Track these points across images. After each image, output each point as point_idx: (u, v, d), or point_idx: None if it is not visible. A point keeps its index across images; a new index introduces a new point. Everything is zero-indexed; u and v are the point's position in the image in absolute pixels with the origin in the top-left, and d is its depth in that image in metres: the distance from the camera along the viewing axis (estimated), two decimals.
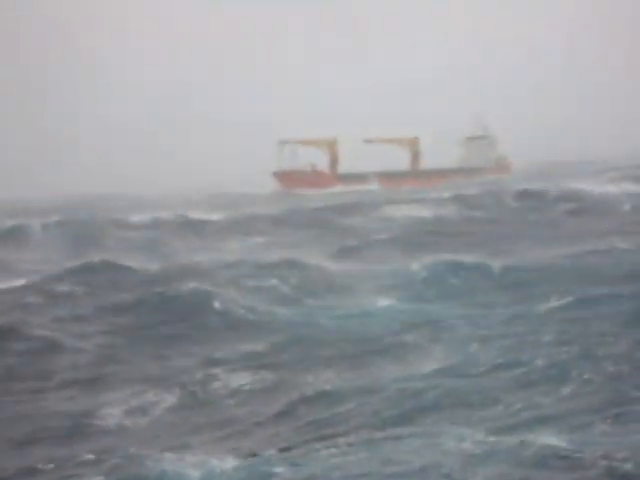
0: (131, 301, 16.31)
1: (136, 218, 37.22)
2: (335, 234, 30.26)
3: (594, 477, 6.79)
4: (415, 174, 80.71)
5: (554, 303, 13.79)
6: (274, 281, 18.38)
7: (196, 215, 36.19)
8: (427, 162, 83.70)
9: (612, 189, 37.81)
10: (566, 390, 9.16)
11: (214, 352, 13.18)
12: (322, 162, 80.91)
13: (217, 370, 11.98)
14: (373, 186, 69.21)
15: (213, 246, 26.79)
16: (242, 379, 11.47)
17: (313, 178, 76.88)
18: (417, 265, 18.64)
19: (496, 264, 18.37)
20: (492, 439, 7.65)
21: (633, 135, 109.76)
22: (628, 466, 6.80)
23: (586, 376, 9.40)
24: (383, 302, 15.88)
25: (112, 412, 10.42)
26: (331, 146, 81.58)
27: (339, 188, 69.82)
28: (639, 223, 26.37)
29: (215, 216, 36.31)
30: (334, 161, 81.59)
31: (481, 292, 16.42)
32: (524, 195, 38.38)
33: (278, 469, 7.45)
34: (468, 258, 18.83)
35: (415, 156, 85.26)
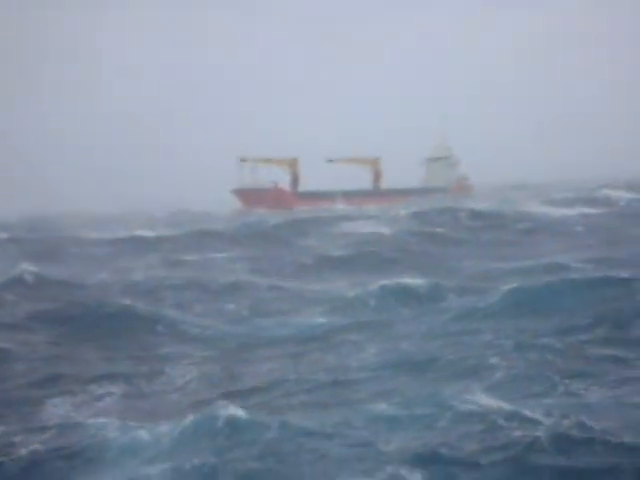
0: (71, 314, 16.11)
1: (94, 235, 36.94)
2: (292, 251, 30.08)
3: (505, 437, 7.80)
4: (376, 193, 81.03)
5: (492, 298, 14.77)
6: (224, 301, 18.11)
7: (151, 233, 35.84)
8: (389, 182, 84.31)
9: (566, 211, 38.60)
10: (497, 376, 10.07)
11: (161, 354, 13.49)
12: (283, 181, 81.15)
13: (163, 366, 12.43)
14: (340, 205, 69.00)
15: (164, 264, 26.29)
16: (188, 374, 11.85)
17: (274, 196, 76.79)
18: (368, 288, 18.16)
19: (449, 287, 18.09)
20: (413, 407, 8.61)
21: (591, 160, 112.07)
22: (539, 433, 7.83)
23: (515, 364, 10.37)
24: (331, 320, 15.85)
25: (59, 403, 10.77)
26: (292, 165, 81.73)
27: (300, 207, 69.65)
28: (590, 242, 26.65)
29: (170, 233, 36.02)
30: (295, 180, 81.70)
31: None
32: (482, 215, 38.74)
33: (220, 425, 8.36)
34: (420, 281, 18.36)
35: (377, 176, 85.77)
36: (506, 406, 8.53)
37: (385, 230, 34.83)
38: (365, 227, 37.16)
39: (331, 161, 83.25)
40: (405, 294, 17.56)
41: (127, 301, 16.82)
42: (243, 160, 78.84)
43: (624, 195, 46.10)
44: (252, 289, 19.66)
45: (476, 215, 38.15)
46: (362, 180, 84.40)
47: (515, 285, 15.28)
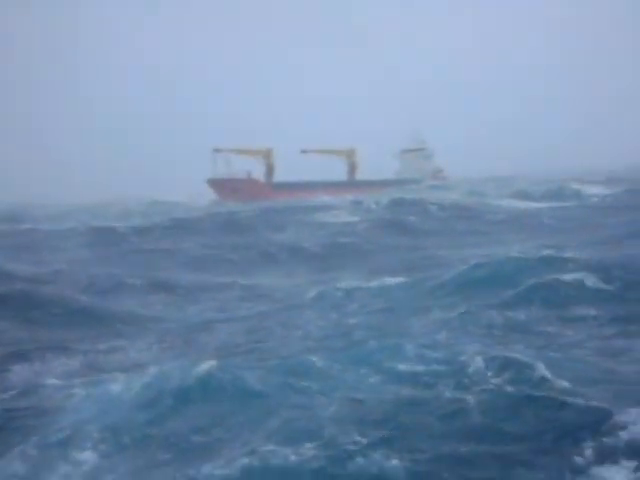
0: (28, 303, 16.06)
1: (62, 226, 36.80)
2: (264, 244, 29.88)
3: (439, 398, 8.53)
4: (351, 185, 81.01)
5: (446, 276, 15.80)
6: (188, 301, 17.83)
7: (121, 223, 35.66)
8: (364, 174, 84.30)
9: (533, 205, 39.41)
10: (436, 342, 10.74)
11: (119, 335, 13.84)
12: (258, 172, 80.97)
13: (121, 343, 12.86)
14: (316, 196, 68.61)
15: (128, 256, 26.04)
16: (146, 350, 12.31)
17: (248, 186, 76.57)
18: (335, 287, 17.56)
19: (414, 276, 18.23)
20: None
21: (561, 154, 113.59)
22: (470, 395, 8.49)
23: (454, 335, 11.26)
24: None
25: (19, 371, 11.31)
26: (266, 156, 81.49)
27: (275, 197, 69.47)
28: (553, 232, 27.08)
29: (141, 224, 35.87)
30: (270, 171, 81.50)
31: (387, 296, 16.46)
32: (454, 207, 39.16)
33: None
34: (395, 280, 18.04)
35: (352, 167, 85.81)
36: (441, 367, 9.24)
37: (358, 221, 35.07)
38: (339, 218, 37.41)
39: (305, 152, 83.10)
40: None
41: (84, 297, 16.87)
42: (217, 150, 78.49)
43: (595, 190, 46.57)
44: (218, 289, 19.06)
45: (448, 207, 38.68)
46: (337, 172, 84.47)
47: (466, 267, 16.11)
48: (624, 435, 7.49)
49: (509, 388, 8.53)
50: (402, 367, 9.37)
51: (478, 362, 9.22)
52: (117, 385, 9.24)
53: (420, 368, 9.29)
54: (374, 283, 16.70)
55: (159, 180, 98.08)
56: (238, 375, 9.26)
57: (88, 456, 7.83)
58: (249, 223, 35.90)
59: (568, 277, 13.93)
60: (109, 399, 8.91)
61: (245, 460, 7.23)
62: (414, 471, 7.01)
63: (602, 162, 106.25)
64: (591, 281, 13.70)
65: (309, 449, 7.36)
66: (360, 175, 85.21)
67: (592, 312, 12.33)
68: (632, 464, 7.03)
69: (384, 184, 77.96)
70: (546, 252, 16.33)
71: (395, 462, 7.13)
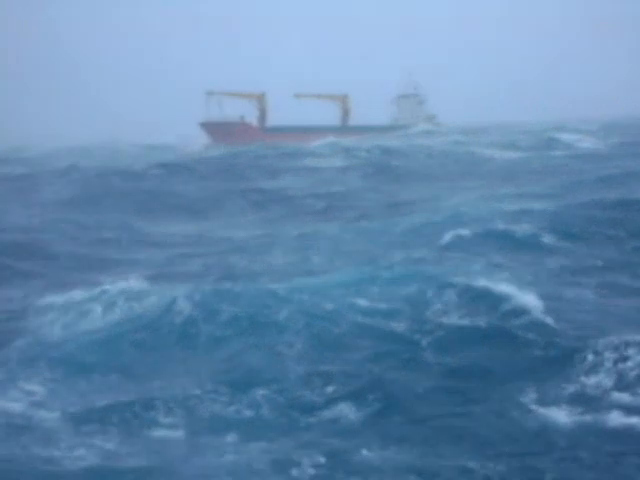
0: None
1: (42, 169, 37.23)
2: (251, 190, 30.11)
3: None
4: (344, 130, 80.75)
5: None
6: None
7: (108, 165, 35.89)
8: (358, 120, 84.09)
9: (515, 154, 39.90)
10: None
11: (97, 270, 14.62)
12: (250, 115, 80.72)
13: (97, 277, 13.36)
14: (309, 141, 68.17)
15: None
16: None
17: (241, 130, 76.43)
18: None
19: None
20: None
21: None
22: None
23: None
24: None
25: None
26: (260, 99, 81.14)
27: (267, 141, 69.38)
28: (532, 178, 27.95)
29: (129, 166, 36.16)
30: (263, 115, 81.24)
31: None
32: (442, 155, 39.77)
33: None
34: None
35: (345, 112, 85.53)
36: (400, 302, 10.00)
37: (347, 167, 35.52)
38: (330, 164, 37.79)
39: (299, 96, 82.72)
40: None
41: (67, 246, 17.59)
42: (210, 93, 78.11)
43: (586, 142, 46.69)
44: (202, 239, 19.18)
45: (437, 155, 39.32)
46: (330, 117, 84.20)
47: (436, 215, 17.44)
48: (572, 379, 8.00)
49: (465, 322, 9.24)
50: (361, 302, 10.03)
51: (434, 295, 9.96)
52: (85, 314, 10.04)
53: (382, 305, 9.92)
54: (349, 228, 17.49)
55: (151, 123, 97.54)
56: (205, 306, 9.92)
57: (40, 383, 8.38)
58: (242, 170, 35.95)
59: (525, 227, 15.03)
60: (75, 326, 9.67)
61: (188, 405, 7.82)
62: (367, 412, 7.56)
63: (600, 110, 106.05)
64: (548, 233, 14.87)
65: (261, 395, 8.04)
66: (353, 121, 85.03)
67: (549, 258, 13.39)
68: (576, 409, 7.50)
69: (377, 129, 77.92)
70: (514, 205, 17.23)
71: (350, 406, 7.66)
